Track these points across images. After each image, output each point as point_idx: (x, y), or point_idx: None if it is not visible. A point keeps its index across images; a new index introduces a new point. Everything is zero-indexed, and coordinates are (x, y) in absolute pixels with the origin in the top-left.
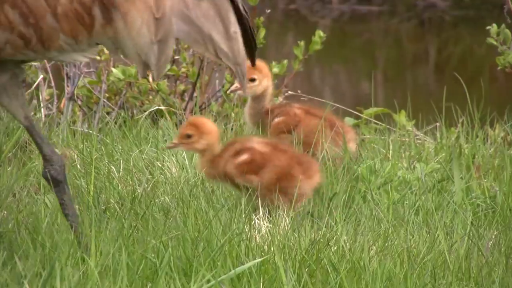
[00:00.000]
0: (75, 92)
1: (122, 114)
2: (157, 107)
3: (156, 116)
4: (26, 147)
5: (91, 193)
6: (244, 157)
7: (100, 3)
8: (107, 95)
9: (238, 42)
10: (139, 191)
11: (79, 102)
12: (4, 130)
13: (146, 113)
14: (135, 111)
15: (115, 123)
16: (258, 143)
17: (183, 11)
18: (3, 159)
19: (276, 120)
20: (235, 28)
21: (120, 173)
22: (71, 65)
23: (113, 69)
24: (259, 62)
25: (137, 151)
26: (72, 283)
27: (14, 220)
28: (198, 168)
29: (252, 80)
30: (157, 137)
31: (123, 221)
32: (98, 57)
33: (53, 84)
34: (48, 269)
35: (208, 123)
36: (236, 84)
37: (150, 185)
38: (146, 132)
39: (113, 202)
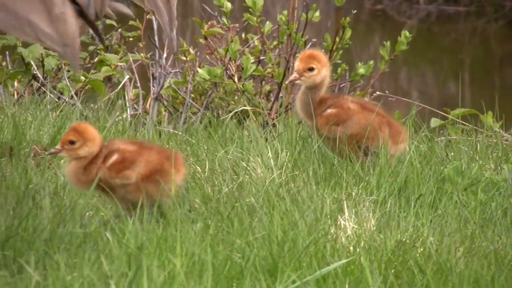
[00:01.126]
0: (161, 92)
1: (207, 114)
2: (242, 108)
3: (242, 116)
4: None
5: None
6: (114, 157)
7: None
8: (192, 95)
9: (66, 23)
10: (224, 191)
11: (165, 103)
12: None
13: (232, 113)
14: (220, 112)
15: (201, 123)
16: (123, 144)
17: None
18: None
19: (328, 111)
20: (61, 9)
21: (206, 173)
22: (156, 65)
23: (199, 70)
24: (317, 52)
25: (223, 151)
26: (158, 283)
27: (100, 220)
28: (66, 173)
29: (311, 69)
30: (242, 138)
31: (209, 221)
32: (184, 58)
33: (138, 84)
34: (134, 269)
35: (91, 130)
36: (295, 74)
37: (236, 185)
38: (231, 133)
39: (198, 202)
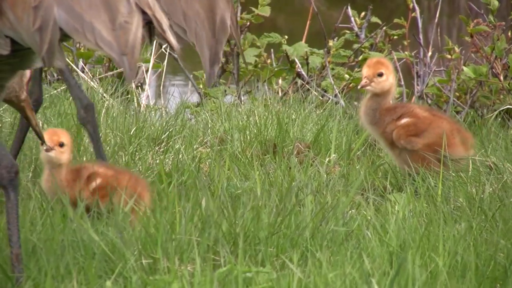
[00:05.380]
0: (425, 91)
1: (471, 113)
2: (507, 107)
3: (506, 116)
4: (375, 145)
5: (440, 191)
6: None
7: None
8: (457, 94)
9: (129, 32)
10: (488, 190)
11: (428, 101)
12: (353, 128)
13: (496, 112)
14: (485, 111)
15: (464, 121)
16: None
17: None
18: (352, 156)
19: (404, 121)
20: (126, 18)
21: (469, 172)
22: (421, 63)
23: (464, 68)
24: (384, 59)
25: (482, 151)
26: (420, 282)
27: (363, 218)
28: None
29: (380, 75)
30: (506, 138)
31: (472, 220)
32: (448, 56)
33: (402, 82)
34: (396, 267)
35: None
36: (365, 80)
37: (500, 185)
38: (495, 133)
39: (462, 201)
